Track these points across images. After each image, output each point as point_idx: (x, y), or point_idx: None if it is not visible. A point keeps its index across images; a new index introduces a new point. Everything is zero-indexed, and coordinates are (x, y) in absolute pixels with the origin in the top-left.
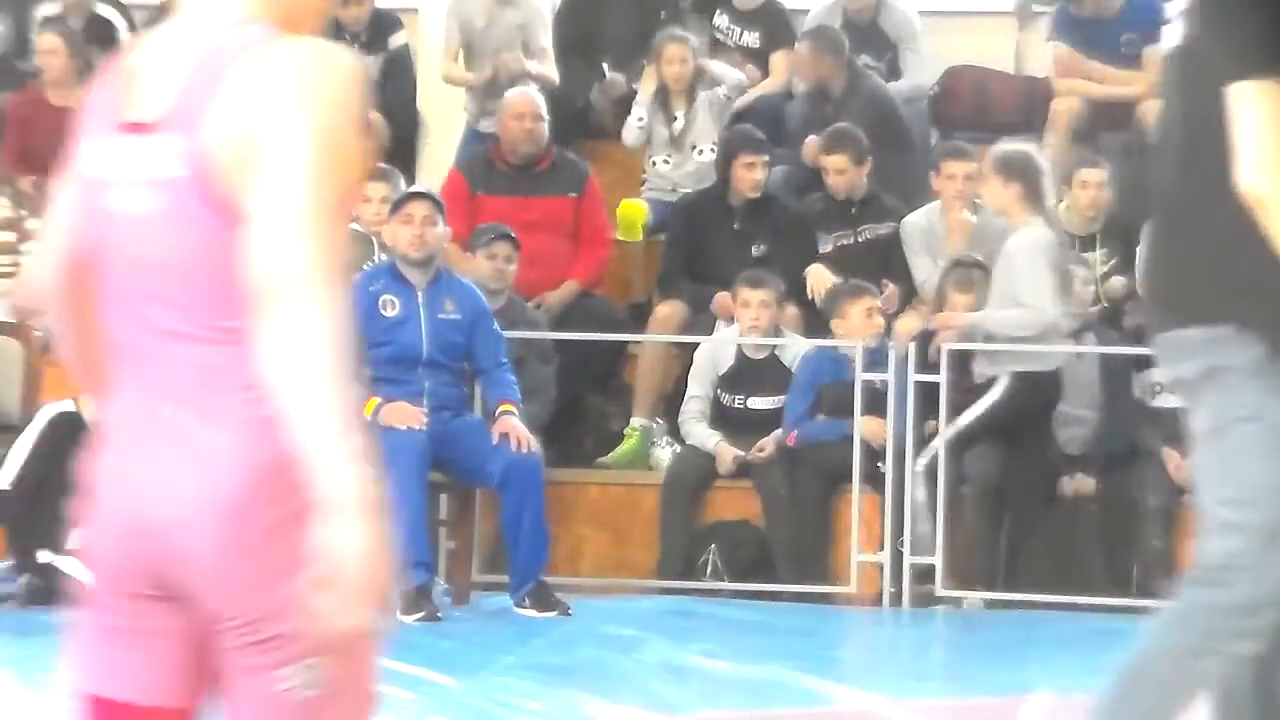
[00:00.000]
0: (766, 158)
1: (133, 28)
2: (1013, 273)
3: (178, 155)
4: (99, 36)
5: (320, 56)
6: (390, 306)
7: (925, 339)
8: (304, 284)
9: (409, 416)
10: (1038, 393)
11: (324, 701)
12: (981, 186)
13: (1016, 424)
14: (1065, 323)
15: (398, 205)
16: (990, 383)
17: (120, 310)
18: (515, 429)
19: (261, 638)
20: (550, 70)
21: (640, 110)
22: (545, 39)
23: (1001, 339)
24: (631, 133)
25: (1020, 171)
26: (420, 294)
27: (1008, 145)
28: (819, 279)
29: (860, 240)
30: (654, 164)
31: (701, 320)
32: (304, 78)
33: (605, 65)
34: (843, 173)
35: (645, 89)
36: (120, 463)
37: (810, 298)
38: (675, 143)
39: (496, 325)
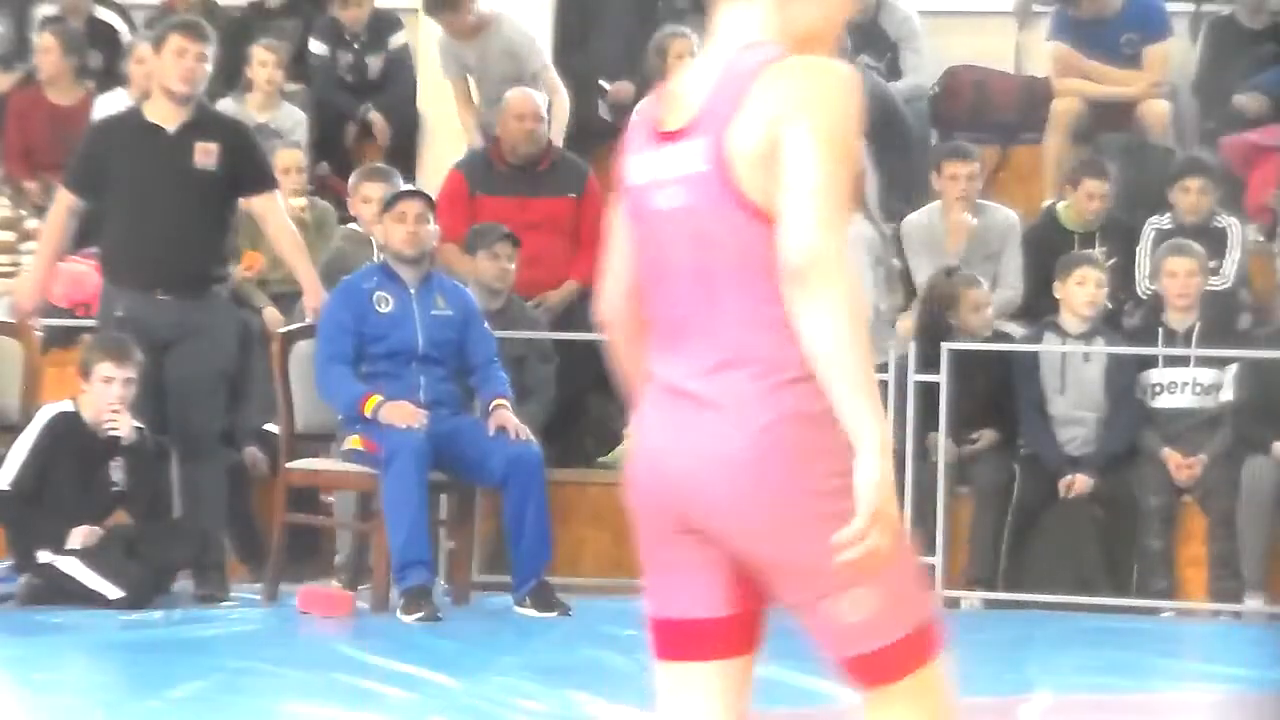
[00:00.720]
0: None
1: (132, 29)
2: None
3: (702, 154)
4: (99, 39)
5: (826, 70)
6: (384, 303)
7: (924, 340)
8: (825, 265)
9: (409, 415)
10: None
11: (881, 621)
12: None
13: None
14: (888, 316)
15: (390, 203)
16: None
17: (661, 296)
18: (510, 420)
19: (799, 570)
20: (558, 94)
21: None
22: (536, 61)
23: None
24: None
25: None
26: (413, 291)
27: None
28: None
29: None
30: None
31: None
32: (814, 89)
33: (603, 81)
34: None
35: None
36: (654, 423)
37: None
38: None
39: (486, 324)
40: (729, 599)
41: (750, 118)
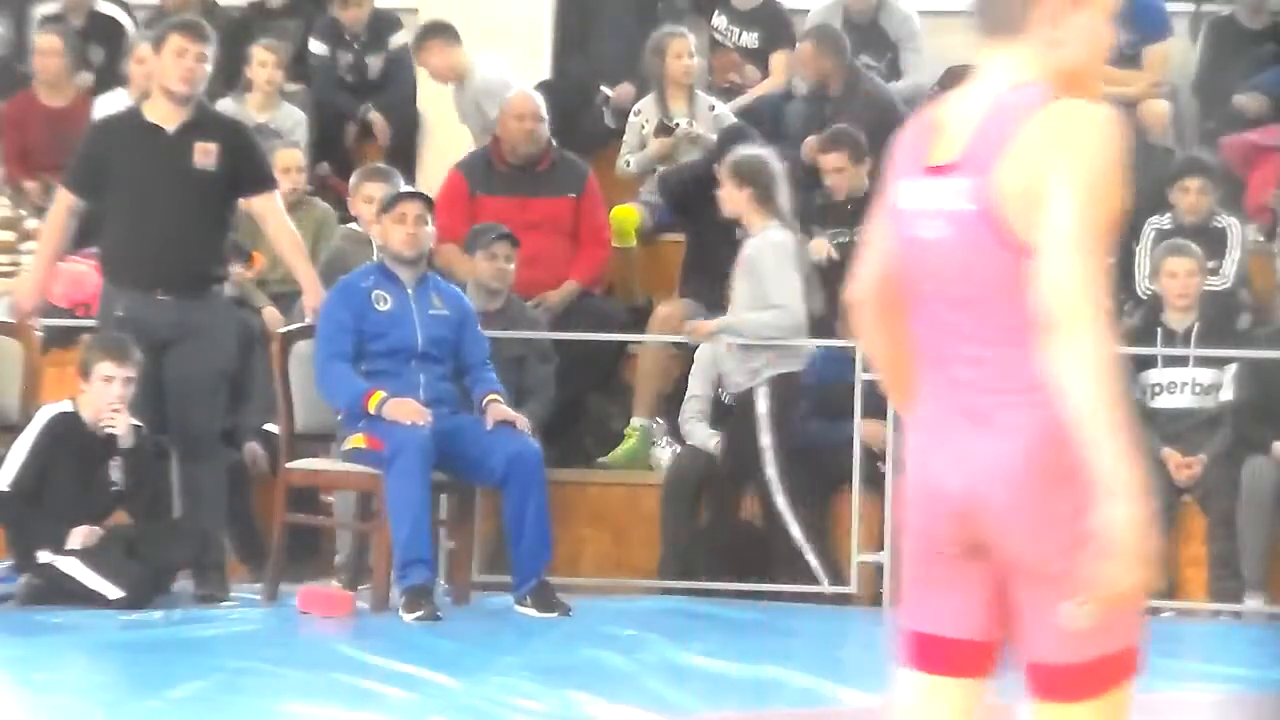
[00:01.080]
0: None
1: (135, 25)
2: (760, 275)
3: (969, 192)
4: (102, 35)
5: (1089, 114)
6: (383, 301)
7: None
8: (1080, 309)
9: (413, 412)
10: (795, 391)
11: (1098, 634)
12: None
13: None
14: (811, 321)
15: (390, 204)
16: (750, 393)
17: (925, 318)
18: (508, 413)
19: (1048, 575)
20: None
21: (634, 157)
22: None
23: (757, 341)
24: (628, 170)
25: (752, 176)
26: (410, 290)
27: (742, 151)
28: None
29: (858, 239)
30: (653, 171)
31: (702, 319)
32: (1077, 134)
33: (605, 87)
34: (840, 171)
35: (634, 132)
36: (925, 442)
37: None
38: (672, 157)
39: (480, 326)
40: (988, 625)
41: (1016, 160)
